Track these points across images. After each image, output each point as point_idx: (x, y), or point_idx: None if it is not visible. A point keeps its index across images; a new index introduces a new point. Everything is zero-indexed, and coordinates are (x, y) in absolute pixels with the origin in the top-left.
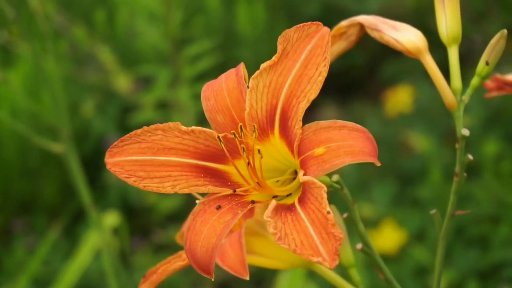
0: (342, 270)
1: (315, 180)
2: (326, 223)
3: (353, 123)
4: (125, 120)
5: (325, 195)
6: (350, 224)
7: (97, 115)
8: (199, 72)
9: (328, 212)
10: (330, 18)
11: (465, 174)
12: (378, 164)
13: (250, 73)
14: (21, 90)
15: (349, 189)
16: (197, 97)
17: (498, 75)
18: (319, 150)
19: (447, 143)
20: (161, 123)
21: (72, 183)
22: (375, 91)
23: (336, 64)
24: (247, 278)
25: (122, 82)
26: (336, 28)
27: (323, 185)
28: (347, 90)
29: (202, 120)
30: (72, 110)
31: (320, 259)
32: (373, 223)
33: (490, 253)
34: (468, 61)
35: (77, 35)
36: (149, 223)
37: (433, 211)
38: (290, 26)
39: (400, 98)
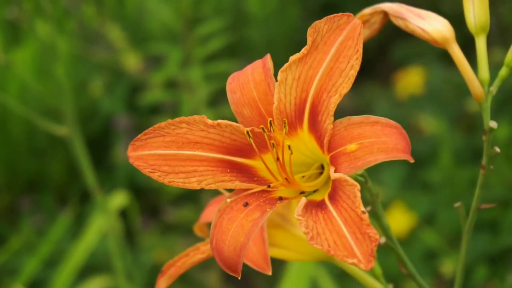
0: None
1: (348, 178)
2: (360, 223)
3: (386, 119)
4: (133, 100)
5: (358, 194)
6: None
7: (105, 94)
8: (211, 52)
9: (363, 212)
10: (343, 2)
11: (491, 167)
12: (412, 161)
13: (261, 53)
14: (29, 69)
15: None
16: (208, 77)
17: None
18: (352, 147)
19: (458, 126)
20: (171, 103)
21: (78, 166)
22: (385, 73)
23: None
24: (270, 273)
25: (131, 61)
26: (358, 15)
27: (356, 183)
28: (358, 72)
29: (213, 101)
30: (80, 89)
31: (355, 260)
32: (382, 206)
33: (500, 238)
34: None
35: (86, 13)
36: (157, 203)
37: (457, 204)
38: (300, 6)
39: (411, 80)
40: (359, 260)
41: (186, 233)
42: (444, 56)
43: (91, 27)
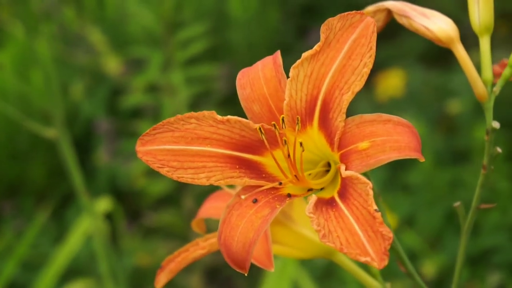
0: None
1: (360, 176)
2: (373, 221)
3: (398, 117)
4: (114, 103)
5: (371, 192)
6: None
7: (87, 97)
8: (192, 56)
9: (376, 210)
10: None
11: (492, 167)
12: (423, 160)
13: (242, 56)
14: (10, 72)
15: None
16: (189, 81)
17: (506, 60)
18: (363, 145)
19: (438, 128)
20: (152, 107)
21: (62, 166)
22: None
23: None
24: (273, 270)
25: (112, 65)
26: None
27: (368, 181)
28: None
29: (193, 105)
30: (61, 92)
31: (368, 258)
32: None
33: (480, 239)
34: None
35: (67, 16)
36: (138, 207)
37: (456, 204)
38: (280, 9)
39: (391, 82)
40: (372, 258)
41: (167, 237)
42: (424, 59)
43: (72, 30)
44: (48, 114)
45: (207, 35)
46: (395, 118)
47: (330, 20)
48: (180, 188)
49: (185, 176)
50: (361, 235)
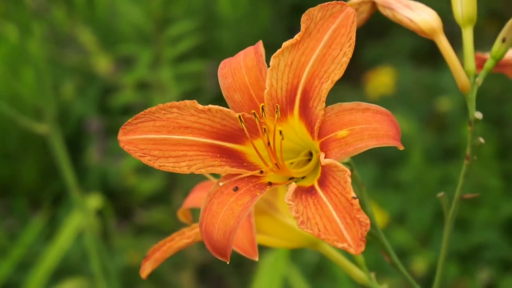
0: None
1: (338, 164)
2: (350, 208)
3: (377, 106)
4: (105, 102)
5: (349, 179)
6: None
7: (77, 97)
8: (181, 53)
9: (354, 197)
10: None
11: (475, 158)
12: (402, 148)
13: (231, 54)
14: (1, 71)
15: None
16: (179, 78)
17: (479, 53)
18: (342, 133)
19: (428, 125)
20: (142, 104)
21: (54, 165)
22: (356, 73)
23: None
24: (257, 259)
25: (103, 64)
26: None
27: (347, 169)
28: None
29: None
30: (52, 91)
31: (345, 245)
32: None
33: (470, 236)
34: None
35: (57, 16)
36: (130, 205)
37: (440, 194)
38: (271, 8)
39: (381, 80)
40: (349, 244)
41: (158, 235)
42: (414, 57)
43: (62, 31)
44: (39, 111)
45: (196, 33)
46: (373, 106)
47: (310, 10)
48: (171, 185)
49: (167, 165)
50: (338, 221)
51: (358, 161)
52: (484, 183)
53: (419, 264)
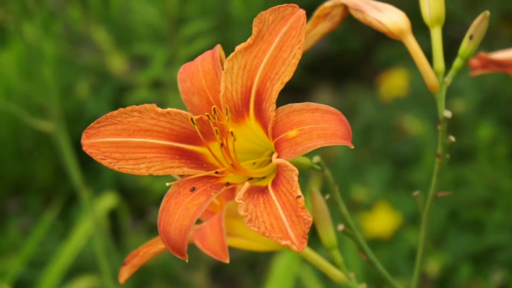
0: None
1: (287, 163)
2: (296, 206)
3: (327, 106)
4: (120, 101)
5: (295, 178)
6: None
7: (92, 96)
8: (195, 52)
9: (299, 196)
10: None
11: (447, 156)
12: (352, 147)
13: None
14: (15, 70)
15: (343, 172)
16: None
17: (483, 53)
18: (292, 133)
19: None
20: (156, 103)
21: (64, 163)
22: (370, 75)
23: (331, 48)
24: (227, 261)
25: (117, 63)
26: (320, 8)
27: (294, 168)
28: (342, 74)
29: None
30: (66, 91)
31: (288, 242)
32: (367, 207)
33: (483, 237)
34: None
35: (72, 16)
36: (144, 204)
37: (416, 193)
38: None
39: (395, 82)
40: (292, 241)
41: None
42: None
43: (77, 30)
44: (47, 110)
45: (211, 32)
46: (323, 106)
47: (262, 13)
48: None
49: (126, 167)
50: (284, 220)
51: (370, 162)
52: (497, 184)
53: (433, 266)
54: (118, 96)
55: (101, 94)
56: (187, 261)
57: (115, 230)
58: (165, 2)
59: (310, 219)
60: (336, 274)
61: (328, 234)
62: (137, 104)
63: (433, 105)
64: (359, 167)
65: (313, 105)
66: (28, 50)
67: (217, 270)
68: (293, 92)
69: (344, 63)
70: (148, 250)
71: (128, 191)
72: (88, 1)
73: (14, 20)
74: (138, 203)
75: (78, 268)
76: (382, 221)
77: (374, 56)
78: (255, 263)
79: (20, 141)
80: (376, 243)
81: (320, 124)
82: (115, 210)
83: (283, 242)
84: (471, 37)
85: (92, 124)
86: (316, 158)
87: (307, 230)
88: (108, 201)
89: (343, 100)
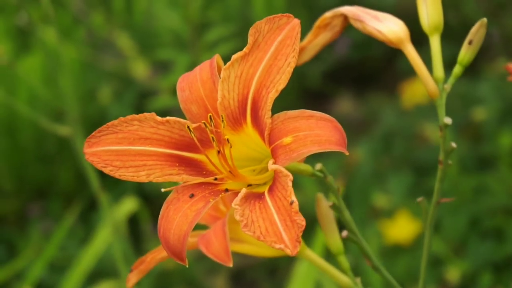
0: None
1: (282, 169)
2: (290, 210)
3: (321, 113)
4: (142, 107)
5: (290, 183)
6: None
7: (114, 101)
8: None
9: (292, 201)
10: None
11: (449, 162)
12: (347, 153)
13: None
14: (38, 75)
15: (364, 179)
16: None
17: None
18: (287, 140)
19: (463, 134)
20: (178, 109)
21: (82, 167)
22: (391, 83)
23: (353, 55)
24: (231, 265)
25: (140, 68)
26: (320, 19)
27: (289, 173)
28: (364, 82)
29: None
30: (89, 96)
31: (282, 245)
32: (388, 213)
33: (504, 245)
34: (486, 55)
35: (95, 21)
36: None
37: (419, 199)
38: (307, 16)
39: (416, 90)
40: (286, 245)
41: None
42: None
43: (100, 35)
44: (62, 113)
45: (233, 38)
46: (318, 114)
47: (258, 23)
48: None
49: (127, 175)
50: (279, 224)
51: (392, 169)
52: None
53: (453, 273)
54: (141, 101)
55: (124, 100)
56: (187, 266)
57: (136, 235)
58: (187, 8)
59: (303, 223)
60: (342, 279)
61: (334, 240)
62: (160, 110)
63: (455, 113)
64: (380, 174)
65: (308, 112)
66: (49, 56)
67: (237, 275)
68: (314, 98)
69: (366, 70)
70: (154, 256)
71: (149, 197)
72: (111, 7)
73: (36, 26)
74: (159, 208)
75: (98, 272)
76: (402, 228)
77: (396, 64)
78: (275, 269)
79: (43, 146)
80: (396, 250)
81: (314, 131)
82: (136, 215)
83: (277, 246)
84: (470, 43)
85: (93, 133)
86: (318, 166)
87: (300, 234)
88: (128, 205)
89: (364, 108)
